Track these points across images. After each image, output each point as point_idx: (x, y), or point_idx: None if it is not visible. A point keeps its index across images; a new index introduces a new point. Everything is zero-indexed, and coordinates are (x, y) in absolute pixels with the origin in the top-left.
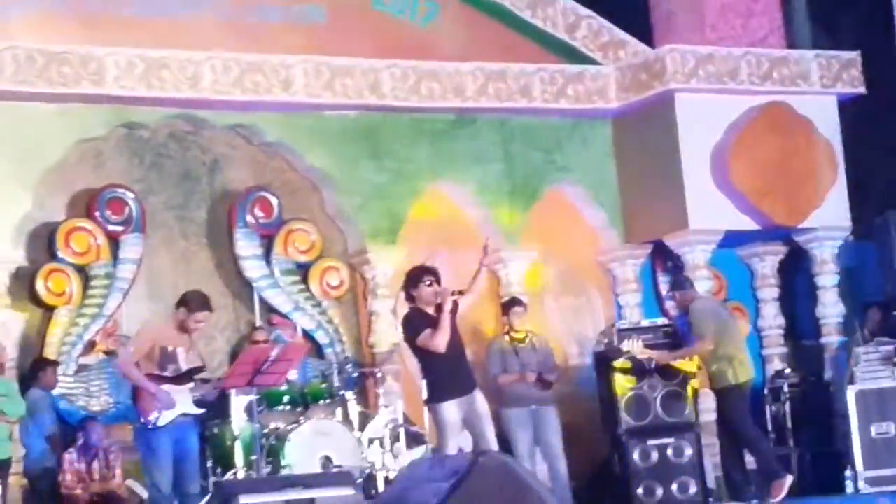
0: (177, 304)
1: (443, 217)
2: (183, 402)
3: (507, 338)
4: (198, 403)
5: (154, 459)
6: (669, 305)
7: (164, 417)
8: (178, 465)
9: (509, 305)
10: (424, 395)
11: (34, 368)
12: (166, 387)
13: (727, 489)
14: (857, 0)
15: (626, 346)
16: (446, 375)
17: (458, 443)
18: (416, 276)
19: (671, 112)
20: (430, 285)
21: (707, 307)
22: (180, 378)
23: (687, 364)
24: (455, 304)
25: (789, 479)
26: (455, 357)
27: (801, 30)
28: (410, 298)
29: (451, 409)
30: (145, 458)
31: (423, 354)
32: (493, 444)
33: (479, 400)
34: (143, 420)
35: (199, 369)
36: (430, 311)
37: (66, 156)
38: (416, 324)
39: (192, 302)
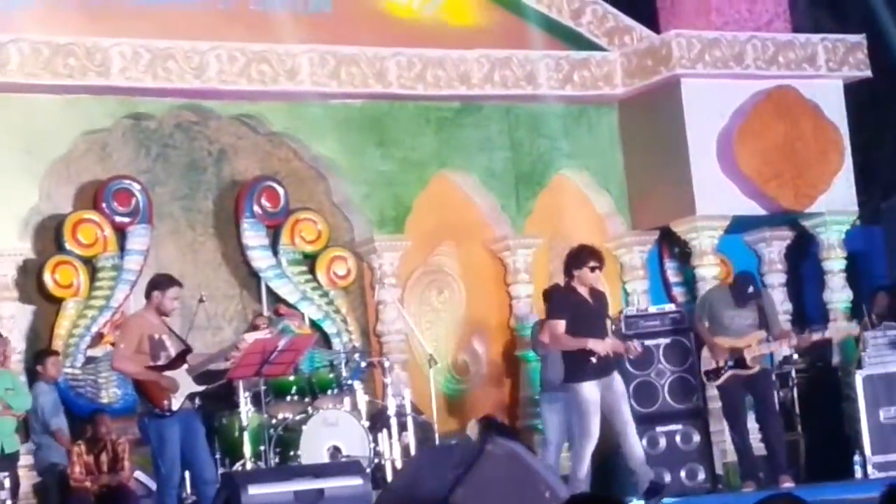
0: (148, 291)
1: (449, 205)
2: (186, 383)
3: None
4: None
5: (164, 448)
6: (677, 292)
7: (176, 402)
8: (191, 453)
9: None
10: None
11: (35, 361)
12: (166, 373)
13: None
14: None
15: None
16: (585, 358)
17: (599, 420)
18: (582, 256)
19: (677, 97)
20: (592, 269)
21: None
22: (173, 363)
23: None
24: None
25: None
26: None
27: (805, 13)
28: (570, 276)
29: (591, 389)
30: (156, 447)
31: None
32: (629, 421)
33: (617, 380)
34: (157, 410)
35: (188, 350)
36: (583, 291)
37: (72, 148)
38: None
39: (162, 283)
